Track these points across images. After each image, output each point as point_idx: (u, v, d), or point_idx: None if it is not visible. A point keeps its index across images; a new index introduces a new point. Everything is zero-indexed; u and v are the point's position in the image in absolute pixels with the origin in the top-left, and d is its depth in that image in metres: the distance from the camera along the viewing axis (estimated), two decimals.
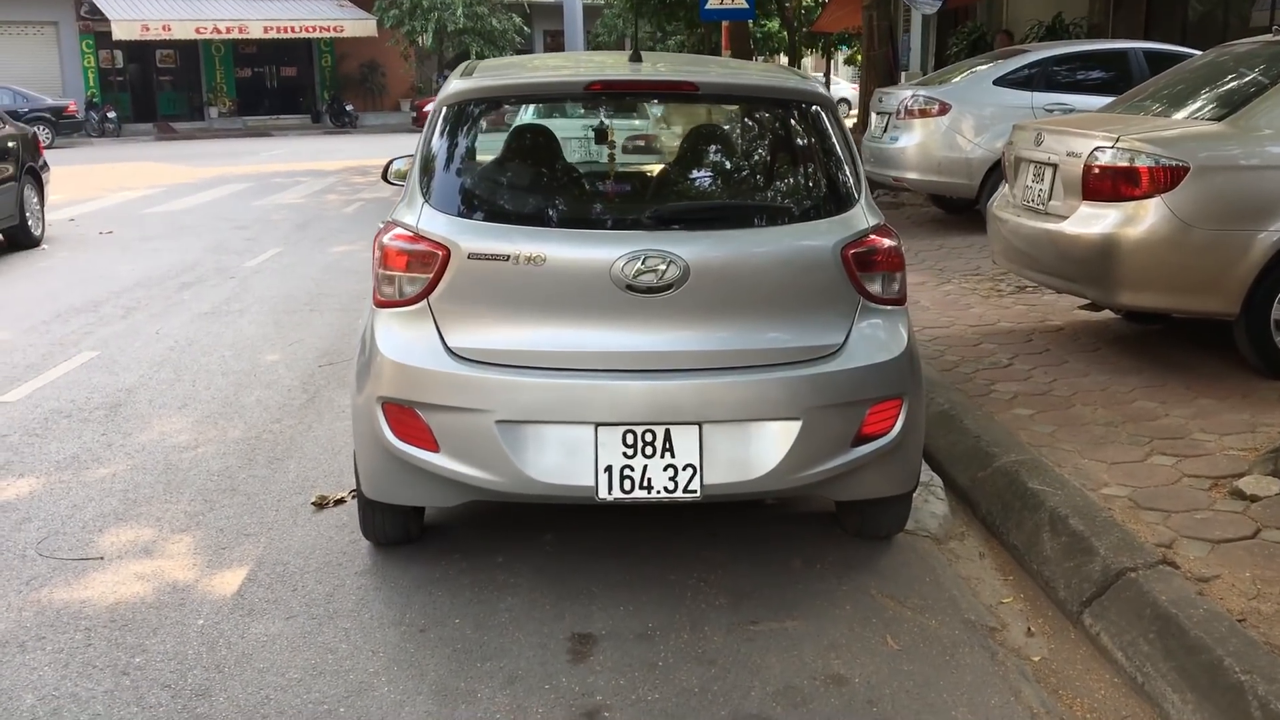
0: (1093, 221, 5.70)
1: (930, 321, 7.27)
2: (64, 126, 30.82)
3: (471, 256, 3.60)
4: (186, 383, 6.42)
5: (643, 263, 3.53)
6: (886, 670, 3.37)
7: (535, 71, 4.17)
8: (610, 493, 3.57)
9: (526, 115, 4.44)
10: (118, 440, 5.40)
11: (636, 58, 4.10)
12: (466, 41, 36.60)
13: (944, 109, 10.68)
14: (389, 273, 3.70)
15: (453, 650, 3.46)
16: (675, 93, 4.02)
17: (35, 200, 12.03)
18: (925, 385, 4.08)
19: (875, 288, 3.78)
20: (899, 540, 4.29)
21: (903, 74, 22.80)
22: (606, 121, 4.76)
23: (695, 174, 4.08)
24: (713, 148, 4.18)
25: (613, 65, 4.28)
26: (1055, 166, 6.02)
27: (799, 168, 4.14)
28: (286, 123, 37.87)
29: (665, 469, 3.59)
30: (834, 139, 3.94)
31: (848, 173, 3.90)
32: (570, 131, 4.69)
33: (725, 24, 17.33)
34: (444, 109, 3.89)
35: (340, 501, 4.55)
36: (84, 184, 18.51)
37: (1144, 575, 3.63)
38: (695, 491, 3.59)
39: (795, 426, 3.62)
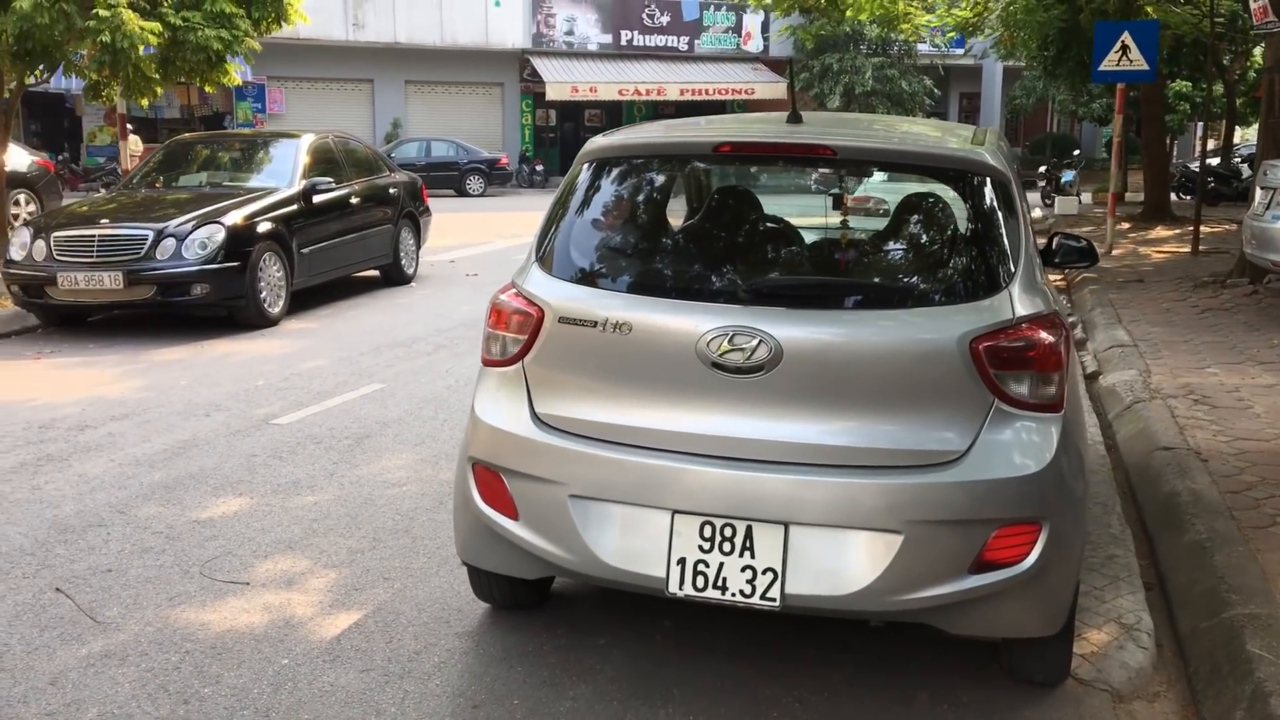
0: None
1: (1253, 431, 6.21)
2: (495, 176, 33.73)
3: (562, 320, 3.45)
4: (438, 421, 6.67)
5: (729, 340, 3.21)
6: None
7: (673, 132, 3.95)
8: (681, 588, 3.26)
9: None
10: (341, 470, 5.68)
11: (795, 119, 3.78)
12: (874, 104, 36.42)
13: None
14: (493, 331, 3.62)
15: None
16: (810, 156, 3.66)
17: (411, 242, 13.15)
18: (1083, 509, 3.41)
19: (1019, 389, 3.21)
20: (1066, 689, 3.62)
21: None
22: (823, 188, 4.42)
23: (817, 246, 3.67)
24: (848, 219, 3.77)
25: (764, 127, 3.97)
26: None
27: (940, 245, 3.63)
28: None
29: (743, 570, 3.23)
30: (992, 214, 3.41)
31: (1003, 253, 3.36)
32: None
33: (1120, 86, 15.96)
34: (577, 168, 3.77)
35: None
36: (483, 229, 20.07)
37: None
38: (774, 600, 3.20)
39: (895, 541, 3.15)
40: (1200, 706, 3.53)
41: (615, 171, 3.79)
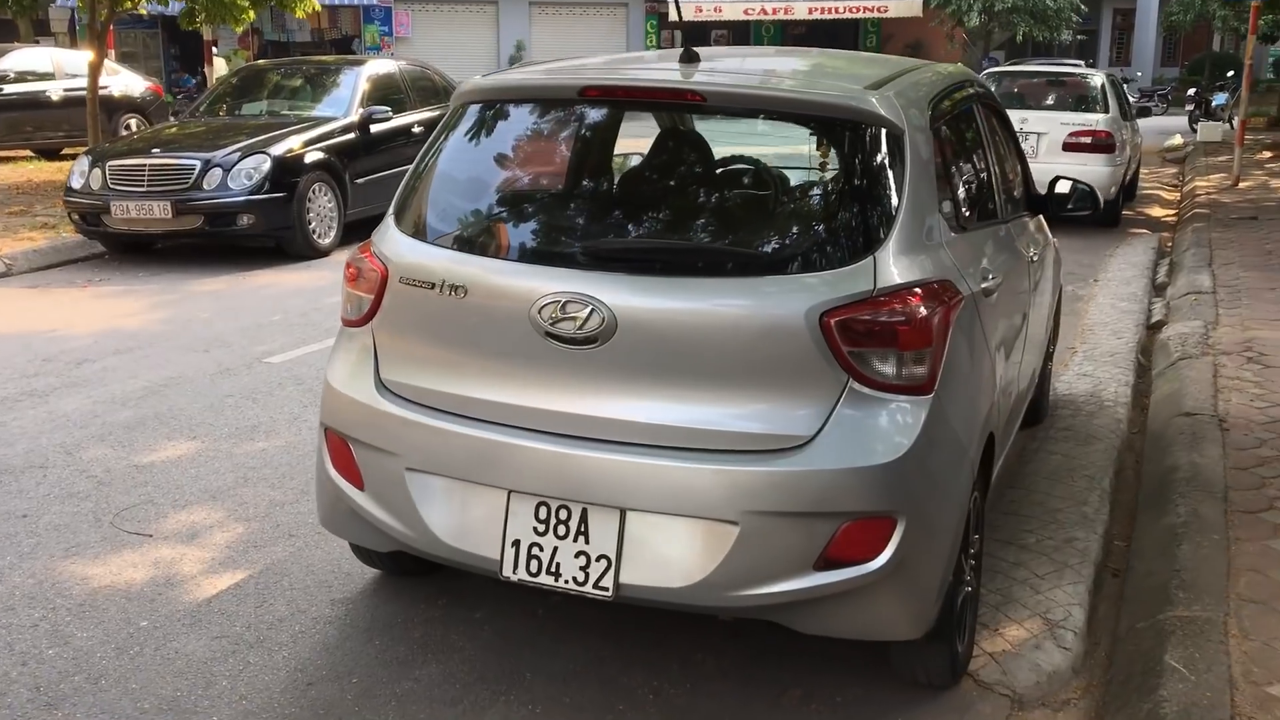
0: None
1: None
2: None
3: (402, 280, 3.21)
4: None
5: (562, 308, 2.93)
6: None
7: (545, 73, 3.60)
8: (515, 572, 3.03)
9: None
10: (307, 415, 5.58)
11: (689, 57, 3.41)
12: (1015, 22, 34.57)
13: None
14: (347, 289, 3.41)
15: (311, 716, 3.13)
16: (678, 103, 3.29)
17: None
18: (957, 502, 3.04)
19: (882, 368, 2.85)
20: (959, 692, 3.29)
21: None
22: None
23: (671, 202, 3.30)
24: (707, 171, 3.39)
25: (647, 69, 3.61)
26: None
27: (808, 205, 3.24)
28: None
29: (577, 555, 2.98)
30: (872, 169, 3.02)
31: (877, 214, 2.96)
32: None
33: (1255, 4, 14.68)
34: (451, 112, 3.50)
35: None
36: None
37: None
38: (607, 590, 2.95)
39: (732, 532, 2.85)
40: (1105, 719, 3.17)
41: (488, 116, 3.49)
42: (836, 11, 36.30)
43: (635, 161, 3.63)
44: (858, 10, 36.53)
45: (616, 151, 3.68)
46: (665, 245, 3.11)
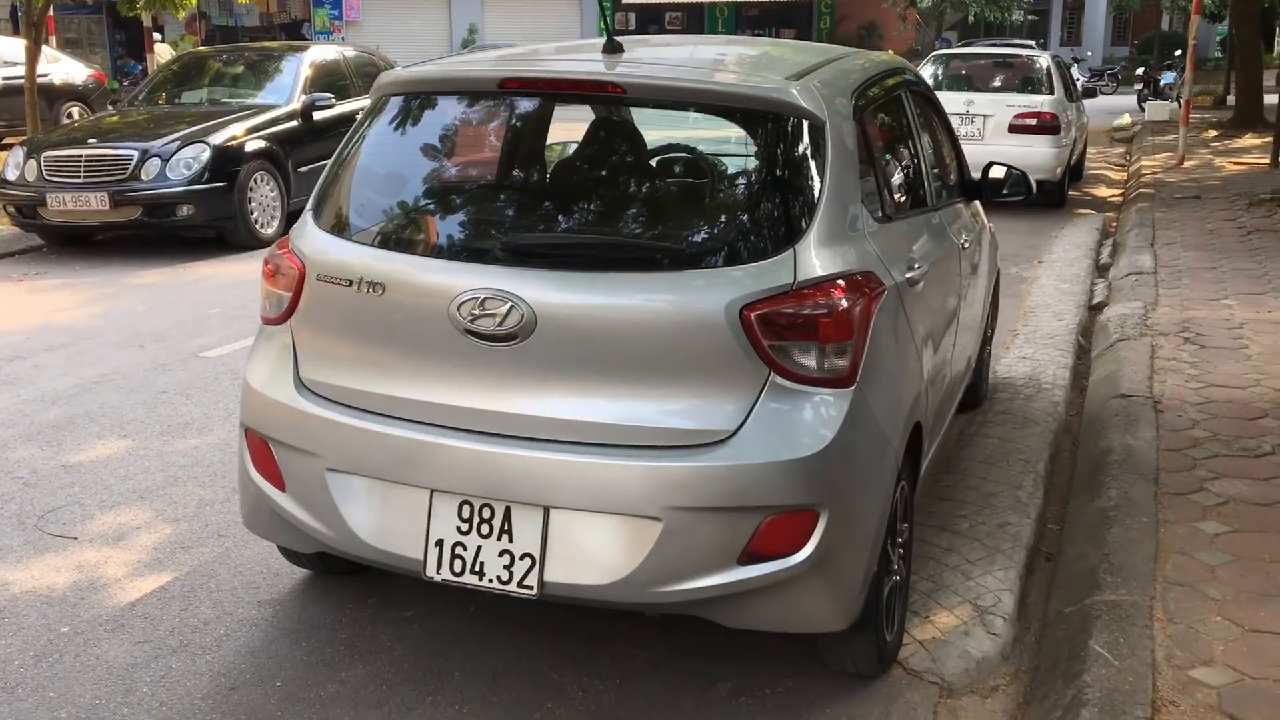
0: None
1: (1232, 377, 5.68)
2: None
3: (319, 278, 3.16)
4: None
5: (481, 305, 2.89)
6: None
7: (465, 64, 3.56)
8: (439, 571, 2.99)
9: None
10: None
11: (612, 48, 3.36)
12: (967, 3, 34.72)
13: None
14: (265, 287, 3.36)
15: None
16: (598, 95, 3.25)
17: None
18: (880, 493, 3.03)
19: (804, 360, 2.83)
20: (889, 681, 3.29)
21: None
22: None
23: (592, 196, 3.26)
24: (631, 164, 3.35)
25: (568, 60, 3.55)
26: None
27: (728, 198, 3.21)
28: None
29: (501, 554, 2.95)
30: (791, 161, 3.00)
31: (797, 206, 2.94)
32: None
33: None
34: (370, 106, 3.44)
35: None
36: None
37: None
38: (532, 588, 2.92)
39: (655, 528, 2.83)
40: (1028, 707, 3.18)
41: (410, 108, 3.44)
42: None
43: (557, 155, 3.59)
44: None
45: (549, 140, 3.64)
46: (585, 240, 3.07)
